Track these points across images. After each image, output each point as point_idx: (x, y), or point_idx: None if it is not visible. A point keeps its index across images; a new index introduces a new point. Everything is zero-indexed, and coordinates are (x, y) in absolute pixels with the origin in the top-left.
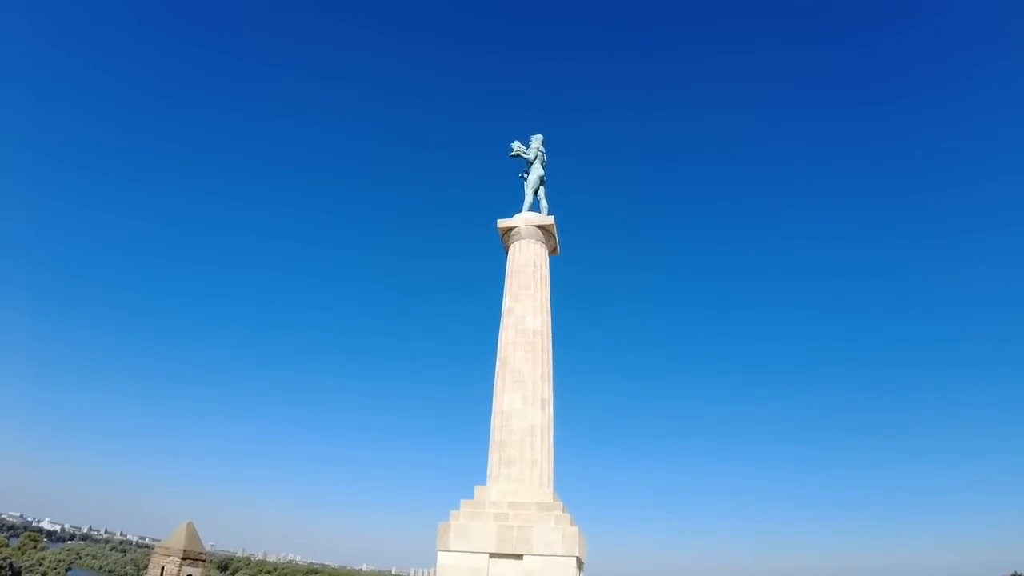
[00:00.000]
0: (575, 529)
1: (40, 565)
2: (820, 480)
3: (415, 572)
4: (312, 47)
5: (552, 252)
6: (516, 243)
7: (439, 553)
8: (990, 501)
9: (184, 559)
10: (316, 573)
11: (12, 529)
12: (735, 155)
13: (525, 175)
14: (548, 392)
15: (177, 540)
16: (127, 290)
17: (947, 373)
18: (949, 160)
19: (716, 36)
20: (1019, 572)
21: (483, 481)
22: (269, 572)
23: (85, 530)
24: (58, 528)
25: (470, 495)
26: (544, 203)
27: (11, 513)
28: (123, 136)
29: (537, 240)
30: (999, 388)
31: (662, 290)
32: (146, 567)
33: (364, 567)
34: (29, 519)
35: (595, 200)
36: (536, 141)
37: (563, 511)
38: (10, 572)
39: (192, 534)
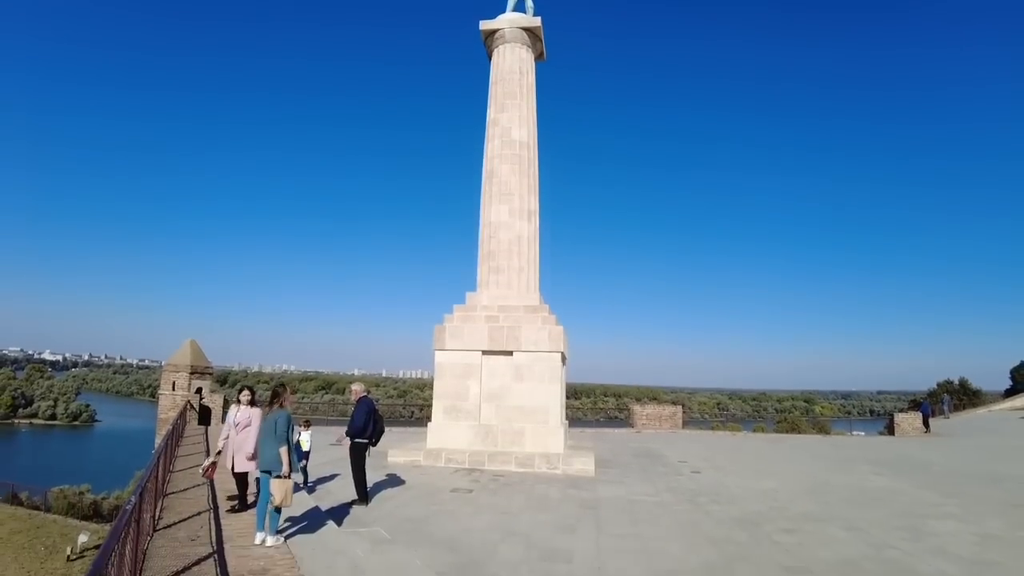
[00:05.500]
0: (560, 328)
1: (51, 393)
2: (800, 290)
3: (403, 373)
4: None
5: (538, 58)
6: (500, 47)
7: (436, 352)
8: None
9: (192, 373)
10: (310, 380)
11: (16, 363)
12: None
13: None
14: (534, 204)
15: (183, 356)
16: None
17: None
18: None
19: None
20: (950, 379)
21: (473, 289)
22: (266, 382)
23: (86, 357)
24: (60, 358)
25: (462, 302)
26: (530, 2)
27: (11, 348)
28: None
29: (523, 44)
30: None
31: (656, 95)
32: (150, 386)
33: (356, 372)
34: (30, 352)
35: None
36: None
37: (548, 312)
38: (23, 401)
39: (196, 350)
